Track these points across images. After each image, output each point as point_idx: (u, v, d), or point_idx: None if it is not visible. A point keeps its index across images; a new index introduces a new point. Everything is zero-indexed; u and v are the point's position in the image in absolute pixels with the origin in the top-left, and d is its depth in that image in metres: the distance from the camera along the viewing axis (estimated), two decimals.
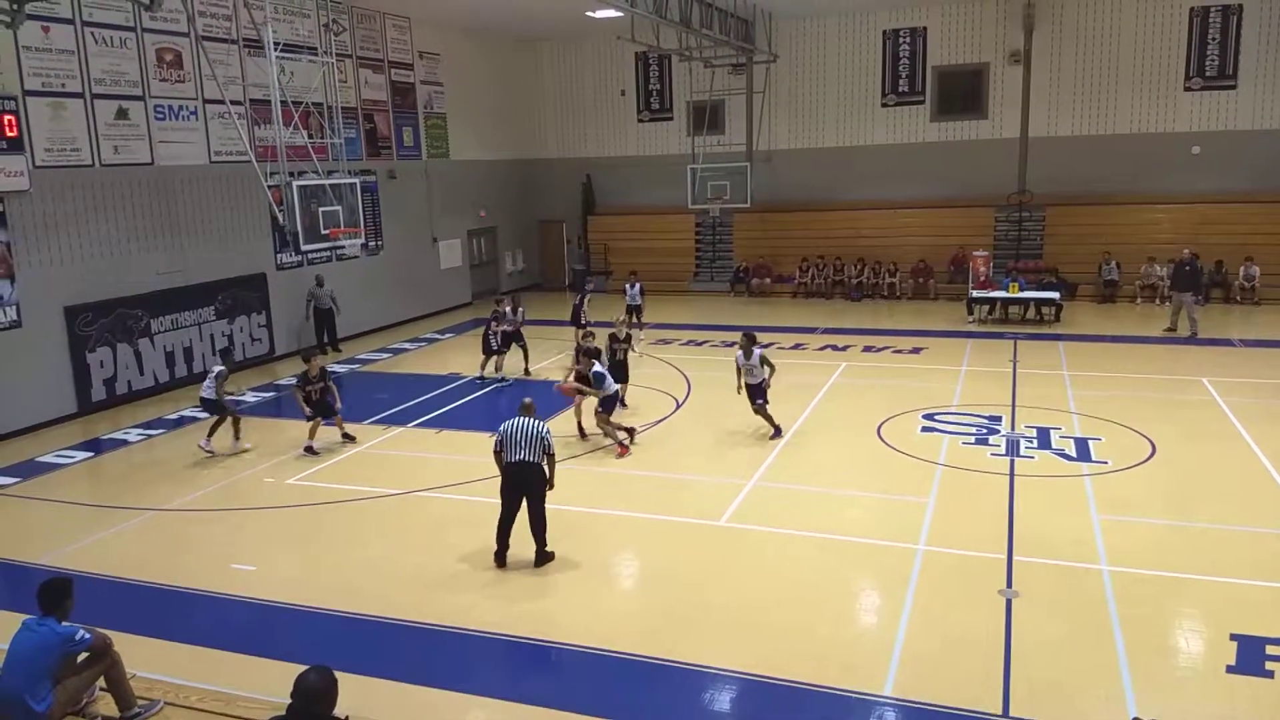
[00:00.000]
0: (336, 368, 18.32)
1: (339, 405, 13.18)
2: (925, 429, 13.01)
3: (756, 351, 12.57)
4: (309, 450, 12.77)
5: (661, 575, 8.96)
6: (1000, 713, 6.39)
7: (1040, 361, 16.86)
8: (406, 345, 20.61)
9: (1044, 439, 12.34)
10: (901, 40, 24.75)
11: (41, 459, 13.14)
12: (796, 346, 18.88)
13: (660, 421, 13.83)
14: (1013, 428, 12.91)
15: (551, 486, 8.96)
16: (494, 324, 16.41)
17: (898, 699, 6.63)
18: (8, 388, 14.05)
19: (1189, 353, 17.36)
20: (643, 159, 27.51)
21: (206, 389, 12.97)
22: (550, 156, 28.70)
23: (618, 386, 12.92)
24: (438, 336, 21.51)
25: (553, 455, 8.90)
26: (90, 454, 13.43)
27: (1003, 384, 15.29)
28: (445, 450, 12.77)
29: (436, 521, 10.39)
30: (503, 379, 16.47)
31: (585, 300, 18.49)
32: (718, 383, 16.00)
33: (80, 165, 15.11)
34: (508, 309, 16.79)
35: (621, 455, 12.17)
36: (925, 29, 24.49)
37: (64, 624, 5.40)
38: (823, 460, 11.89)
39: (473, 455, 11.97)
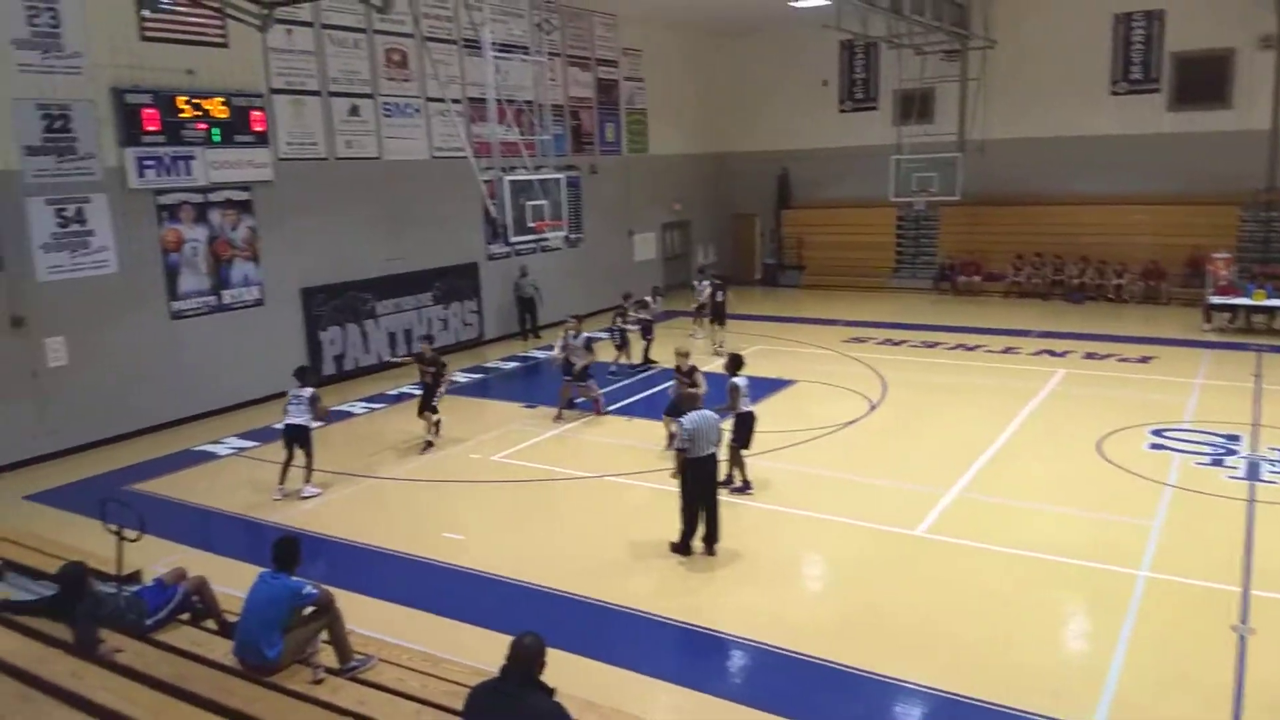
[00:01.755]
0: (536, 353, 19.08)
1: (437, 400, 12.93)
2: (1153, 445, 11.95)
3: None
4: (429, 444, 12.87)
5: (852, 580, 8.72)
6: None
7: None
8: (600, 334, 21.05)
9: None
10: (1135, 24, 22.80)
11: (276, 426, 14.36)
12: (1008, 350, 17.83)
13: (853, 423, 13.43)
14: (1254, 449, 11.64)
15: None
16: (621, 317, 17.64)
17: None
18: (251, 360, 15.52)
19: None
20: (842, 150, 26.73)
21: (296, 414, 11.34)
22: (746, 149, 28.50)
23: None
24: (630, 328, 21.84)
25: (719, 443, 9.27)
26: (319, 424, 14.53)
27: (1243, 400, 13.81)
28: (636, 438, 12.96)
29: (625, 506, 10.63)
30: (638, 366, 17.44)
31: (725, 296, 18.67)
32: (916, 385, 15.43)
33: (316, 158, 16.45)
34: (647, 299, 18.13)
35: None
36: (1163, 11, 22.41)
37: (294, 579, 5.83)
38: (1035, 474, 11.16)
39: (662, 444, 12.07)
